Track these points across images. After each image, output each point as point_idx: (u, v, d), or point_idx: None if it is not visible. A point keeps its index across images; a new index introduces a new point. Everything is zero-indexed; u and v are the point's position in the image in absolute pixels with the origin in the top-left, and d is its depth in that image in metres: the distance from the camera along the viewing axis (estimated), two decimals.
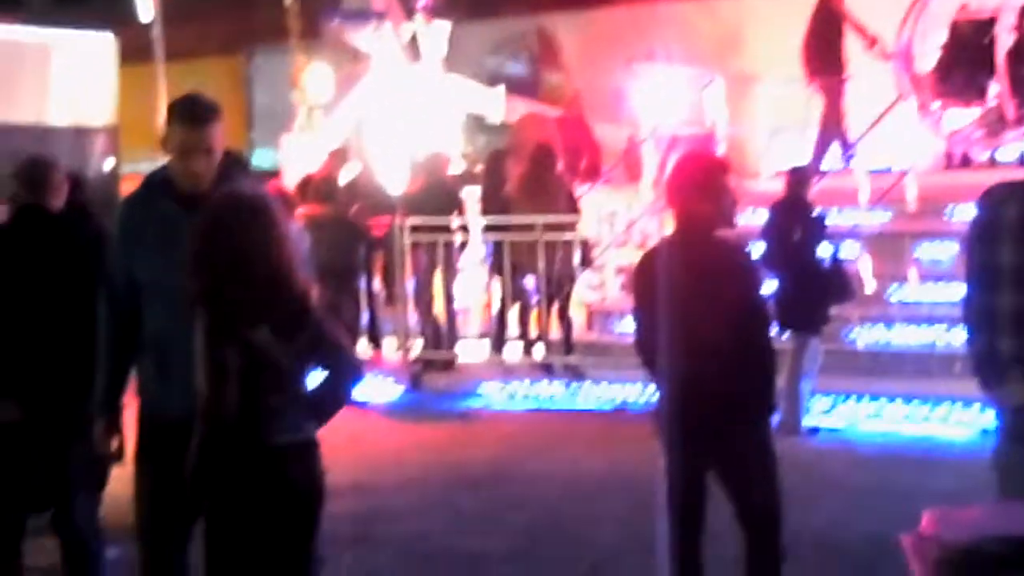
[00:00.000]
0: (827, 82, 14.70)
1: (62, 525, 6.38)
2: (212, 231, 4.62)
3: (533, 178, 13.24)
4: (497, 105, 17.66)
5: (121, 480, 5.59)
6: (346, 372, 4.77)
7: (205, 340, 4.59)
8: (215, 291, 4.59)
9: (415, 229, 13.35)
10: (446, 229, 13.43)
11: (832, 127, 14.75)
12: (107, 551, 6.48)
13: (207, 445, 4.60)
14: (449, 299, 13.70)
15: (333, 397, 4.75)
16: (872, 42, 14.72)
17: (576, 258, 13.20)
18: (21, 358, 6.16)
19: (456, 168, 16.11)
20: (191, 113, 5.03)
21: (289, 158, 17.23)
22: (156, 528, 5.07)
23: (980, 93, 14.33)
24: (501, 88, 17.83)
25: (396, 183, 15.21)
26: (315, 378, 4.73)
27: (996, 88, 14.14)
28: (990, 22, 14.21)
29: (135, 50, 18.54)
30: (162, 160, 5.18)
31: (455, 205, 13.78)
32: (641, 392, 11.74)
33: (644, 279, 5.99)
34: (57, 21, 19.19)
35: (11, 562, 6.44)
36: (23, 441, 6.23)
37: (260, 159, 20.07)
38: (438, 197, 13.56)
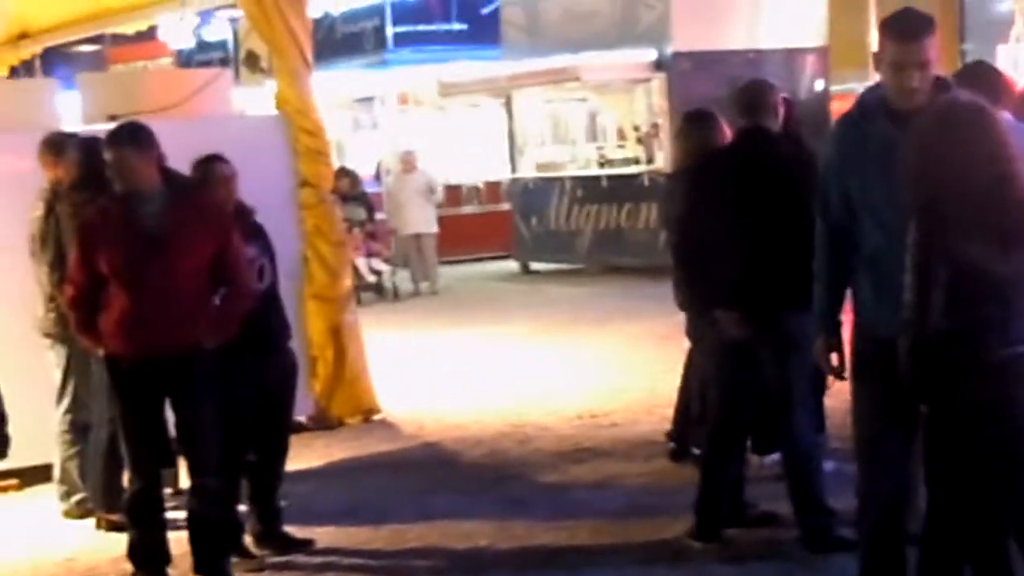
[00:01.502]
0: None
1: (783, 438, 6.58)
2: (926, 143, 4.56)
3: None
4: None
5: (837, 395, 5.68)
6: None
7: (915, 253, 4.55)
8: (929, 204, 4.53)
9: None
10: None
11: None
12: (826, 464, 6.62)
13: (917, 359, 4.57)
14: None
15: None
16: None
17: None
18: (745, 273, 6.39)
19: None
20: (904, 28, 4.96)
21: (1007, 69, 16.56)
22: (875, 444, 5.11)
23: None
24: None
25: None
26: None
27: None
28: None
29: None
30: (874, 79, 5.16)
31: None
32: None
33: None
34: None
35: (729, 488, 6.74)
36: (749, 357, 6.49)
37: None
38: None
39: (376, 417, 10.22)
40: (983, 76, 5.81)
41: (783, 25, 19.11)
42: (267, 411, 7.01)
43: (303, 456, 8.23)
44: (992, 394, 4.50)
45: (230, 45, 26.73)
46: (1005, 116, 4.89)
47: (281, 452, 7.19)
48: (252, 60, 25.11)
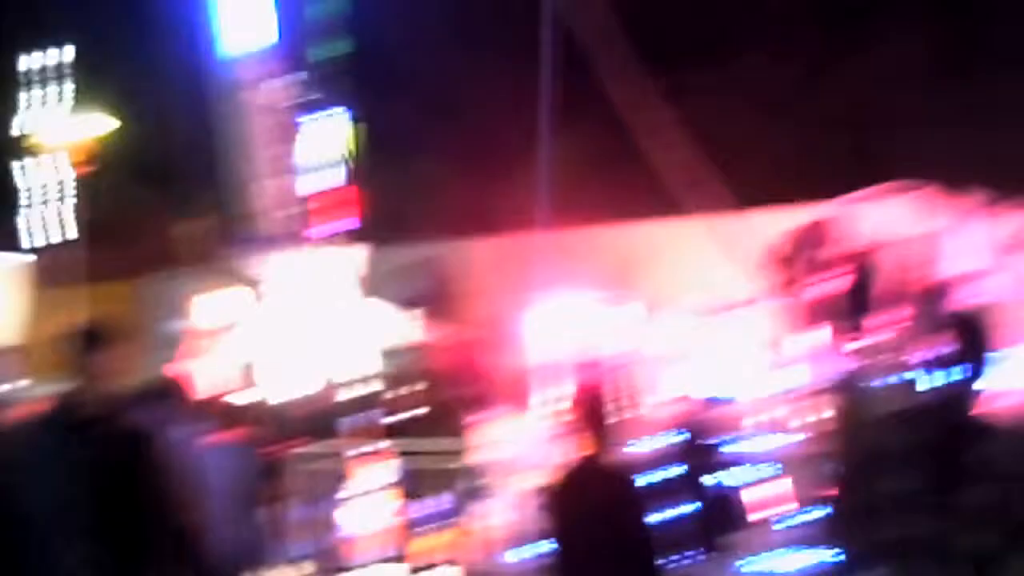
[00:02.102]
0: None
1: None
2: (92, 464, 4.67)
3: (427, 403, 13.42)
4: (405, 329, 17.75)
5: None
6: None
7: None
8: (107, 524, 4.59)
9: (305, 453, 13.36)
10: (336, 454, 13.50)
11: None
12: None
13: None
14: (342, 525, 13.63)
15: None
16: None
17: (466, 484, 13.27)
18: None
19: (358, 391, 16.14)
20: (87, 338, 5.13)
21: (186, 384, 17.07)
22: None
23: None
24: (409, 312, 17.96)
25: (290, 407, 15.21)
26: None
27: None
28: None
29: (49, 271, 18.53)
30: (68, 384, 5.25)
31: (337, 430, 13.92)
32: None
33: (550, 506, 6.06)
34: None
35: None
36: None
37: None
38: (322, 422, 13.71)
39: None
40: (163, 390, 6.10)
41: None
42: None
43: None
44: None
45: None
46: (142, 424, 5.11)
47: None
48: None
